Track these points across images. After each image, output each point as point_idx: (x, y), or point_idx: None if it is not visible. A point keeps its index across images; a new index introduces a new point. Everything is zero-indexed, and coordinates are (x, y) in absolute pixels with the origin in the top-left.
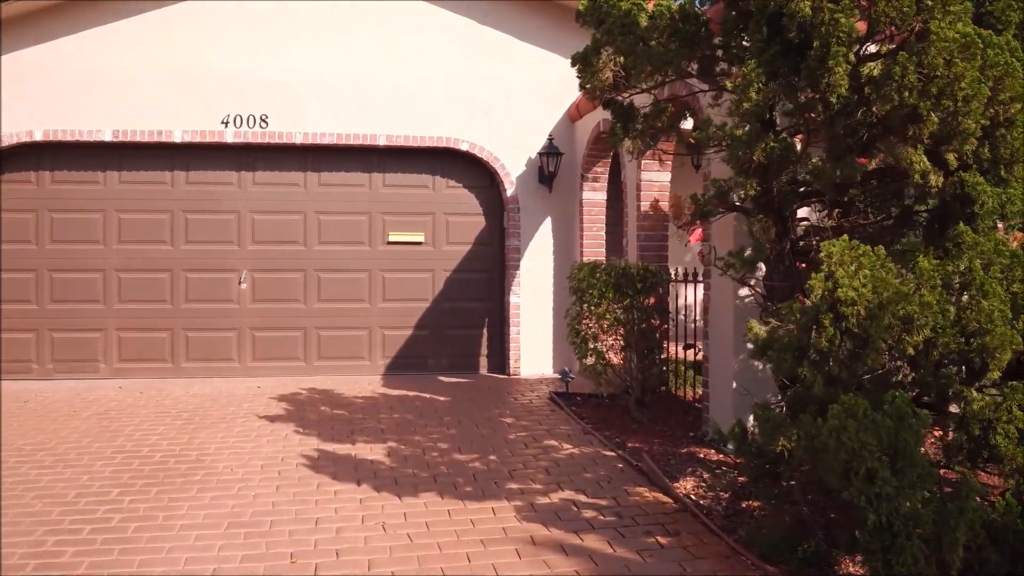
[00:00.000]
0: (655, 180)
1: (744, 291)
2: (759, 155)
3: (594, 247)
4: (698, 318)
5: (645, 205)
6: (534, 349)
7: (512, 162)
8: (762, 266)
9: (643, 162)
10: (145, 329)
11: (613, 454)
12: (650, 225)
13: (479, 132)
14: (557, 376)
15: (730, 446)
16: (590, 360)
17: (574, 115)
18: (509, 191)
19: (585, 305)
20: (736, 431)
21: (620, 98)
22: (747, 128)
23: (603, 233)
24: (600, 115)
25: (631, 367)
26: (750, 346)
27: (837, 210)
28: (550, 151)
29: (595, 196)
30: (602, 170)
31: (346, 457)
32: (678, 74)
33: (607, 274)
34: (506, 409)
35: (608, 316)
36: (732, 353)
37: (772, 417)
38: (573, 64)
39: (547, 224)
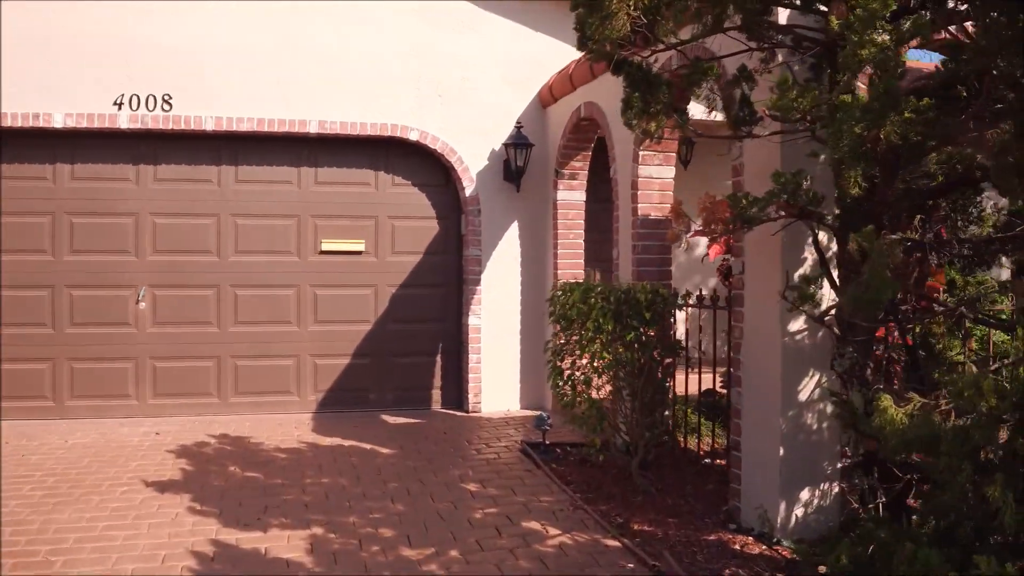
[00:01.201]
0: (656, 177)
1: (795, 324)
2: (890, 132)
3: (571, 258)
4: (704, 348)
5: (645, 207)
6: (498, 380)
7: (472, 155)
8: (823, 293)
9: (641, 153)
10: (18, 359)
11: (617, 544)
12: (650, 234)
13: (432, 118)
14: (526, 413)
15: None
16: (580, 408)
17: (547, 99)
18: (468, 190)
19: (576, 338)
20: (840, 561)
21: (639, 58)
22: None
23: (582, 241)
24: (581, 97)
25: (633, 418)
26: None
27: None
28: (518, 142)
29: (572, 196)
30: (580, 165)
31: (252, 555)
32: (743, 10)
33: (605, 299)
34: (468, 468)
35: (607, 354)
36: (778, 410)
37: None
38: (574, 8)
39: (514, 229)
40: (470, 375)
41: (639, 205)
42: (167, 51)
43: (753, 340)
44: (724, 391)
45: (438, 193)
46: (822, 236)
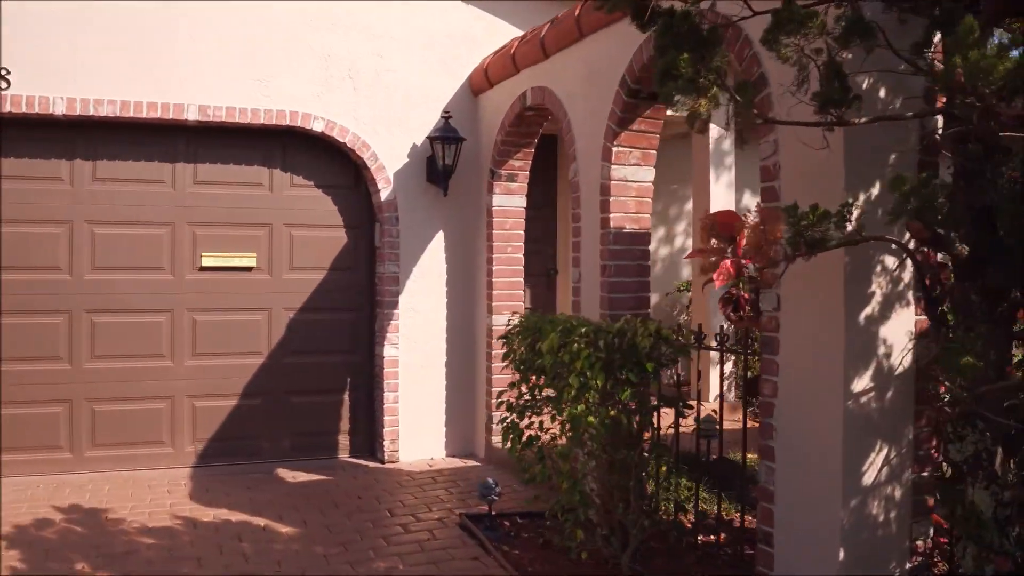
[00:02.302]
0: (632, 180)
1: (862, 382)
2: None
3: (508, 275)
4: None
5: (619, 218)
6: (419, 422)
7: (389, 150)
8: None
9: (615, 150)
10: None
11: None
12: (625, 251)
13: (340, 104)
14: (454, 464)
15: None
16: (553, 482)
17: (481, 84)
18: (384, 193)
19: (546, 394)
20: None
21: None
22: None
23: (521, 256)
24: (527, 81)
25: (625, 499)
26: None
27: None
28: (446, 135)
29: (510, 202)
30: (521, 164)
31: None
32: None
33: (591, 344)
34: (395, 555)
35: (592, 418)
36: (838, 496)
37: None
38: None
39: (439, 241)
40: (386, 417)
41: (611, 215)
42: (6, 12)
43: (795, 400)
44: (715, 414)
45: (347, 197)
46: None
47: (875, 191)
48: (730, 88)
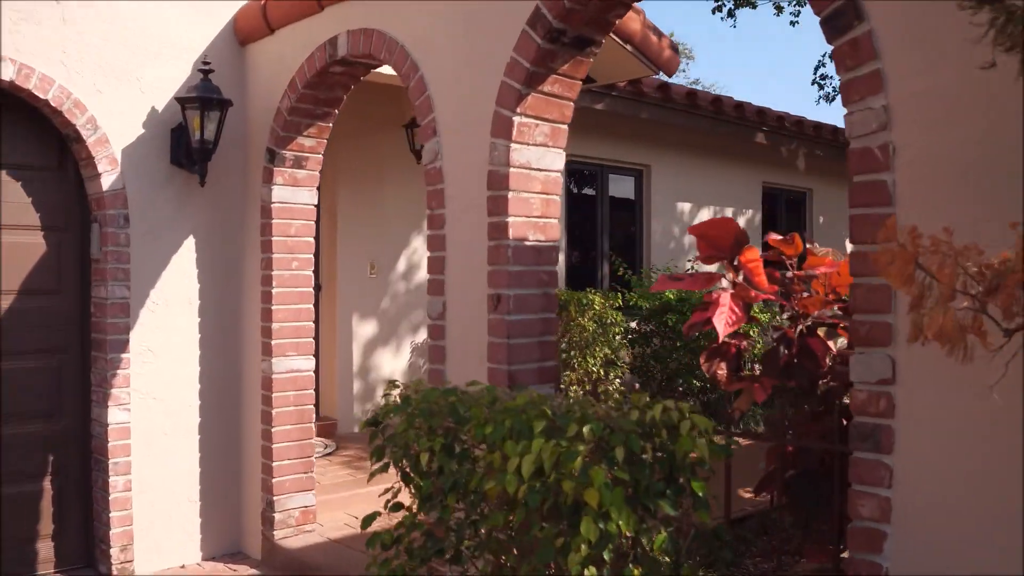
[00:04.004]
0: (537, 168)
1: None
2: None
3: (295, 303)
4: None
5: (520, 224)
6: (164, 515)
7: (116, 116)
8: None
9: (517, 120)
10: None
11: None
12: (529, 275)
13: (40, 42)
14: (220, 571)
15: None
16: None
17: (254, 27)
18: (107, 179)
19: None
20: None
21: None
22: None
23: (311, 273)
24: (336, 23)
25: None
26: None
27: None
28: (205, 96)
29: (298, 197)
30: (314, 144)
31: None
32: None
33: (601, 450)
34: None
35: None
36: None
37: None
38: None
39: (189, 251)
40: (112, 512)
41: (509, 220)
42: None
43: (926, 531)
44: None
45: (47, 184)
46: None
47: None
48: None
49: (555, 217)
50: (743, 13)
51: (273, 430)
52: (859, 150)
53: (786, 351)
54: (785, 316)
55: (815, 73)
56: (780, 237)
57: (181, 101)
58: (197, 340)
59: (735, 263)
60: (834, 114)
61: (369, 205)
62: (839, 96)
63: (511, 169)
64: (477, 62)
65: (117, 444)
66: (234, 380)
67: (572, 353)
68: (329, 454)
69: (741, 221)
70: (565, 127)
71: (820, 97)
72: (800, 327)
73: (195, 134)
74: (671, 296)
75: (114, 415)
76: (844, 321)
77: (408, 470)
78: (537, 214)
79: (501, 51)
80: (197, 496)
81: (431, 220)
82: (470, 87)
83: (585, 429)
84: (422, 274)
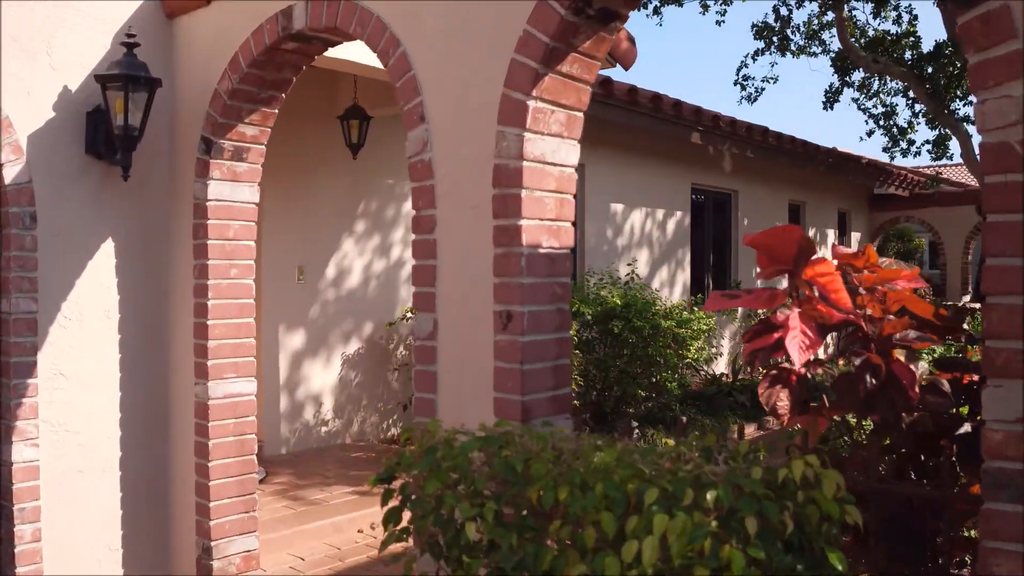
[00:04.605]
0: (552, 163)
1: None
2: None
3: (234, 317)
4: None
5: (535, 227)
6: (79, 567)
7: (19, 96)
8: None
9: (532, 106)
10: None
11: None
12: (541, 287)
13: None
14: None
15: None
16: None
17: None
18: (10, 170)
19: None
20: None
21: None
22: None
23: (251, 282)
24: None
25: None
26: None
27: None
28: (130, 73)
29: (238, 194)
30: (257, 133)
31: None
32: None
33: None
34: None
35: None
36: None
37: None
38: None
39: (107, 258)
40: (19, 567)
41: (523, 223)
42: None
43: None
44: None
45: None
46: None
47: None
48: None
49: (570, 220)
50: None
51: (210, 465)
52: (994, 145)
53: (873, 380)
54: (852, 337)
55: (738, 74)
56: (848, 250)
57: (101, 79)
58: (118, 361)
59: (801, 277)
60: (755, 115)
61: (297, 205)
62: (760, 97)
63: (524, 163)
64: (478, 37)
65: (23, 487)
66: (161, 407)
67: None
68: (260, 481)
69: (671, 224)
70: (581, 116)
71: (742, 98)
72: (884, 351)
73: (117, 118)
74: (617, 302)
75: (19, 452)
76: (927, 343)
77: (442, 542)
78: (551, 216)
79: (510, 24)
80: (119, 543)
81: (417, 223)
82: (468, 66)
83: (709, 496)
84: (354, 280)
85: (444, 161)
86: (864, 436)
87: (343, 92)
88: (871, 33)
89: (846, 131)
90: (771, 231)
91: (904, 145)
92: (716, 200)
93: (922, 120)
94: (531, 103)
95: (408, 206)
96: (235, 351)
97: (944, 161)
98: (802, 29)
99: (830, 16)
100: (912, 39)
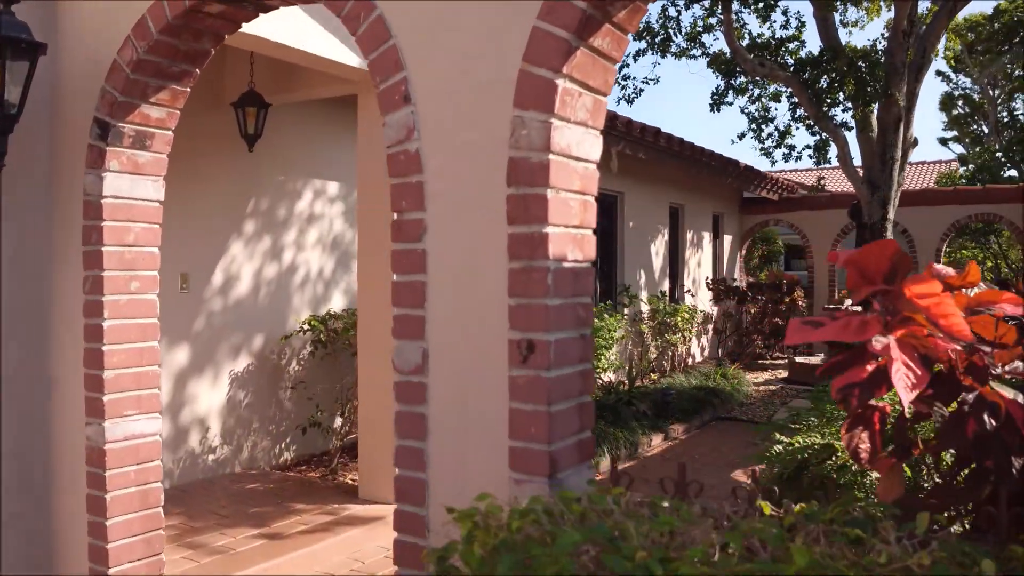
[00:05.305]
0: (576, 157)
1: None
2: None
3: (136, 340)
4: None
5: (562, 235)
6: None
7: None
8: None
9: (562, 86)
10: None
11: None
12: (566, 308)
13: None
14: None
15: None
16: None
17: None
18: None
19: None
20: None
21: None
22: None
23: (156, 299)
24: None
25: None
26: None
27: None
28: (8, 36)
29: (139, 189)
30: (163, 116)
31: None
32: None
33: None
34: None
35: None
36: None
37: None
38: None
39: None
40: None
41: (549, 231)
42: None
43: None
44: None
45: None
46: None
47: None
48: None
49: (592, 227)
50: None
51: (108, 523)
52: None
53: (993, 420)
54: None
55: (618, 73)
56: (944, 268)
57: None
58: None
59: (902, 299)
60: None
61: (179, 204)
62: (638, 97)
63: (551, 156)
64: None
65: None
66: (40, 454)
67: None
68: None
69: None
70: (605, 101)
71: (620, 98)
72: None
73: None
74: None
75: None
76: None
77: None
78: (575, 223)
79: None
80: None
81: (399, 228)
82: (471, 33)
83: None
84: (243, 288)
85: (436, 151)
86: (953, 480)
87: (235, 74)
88: (758, 38)
89: (727, 134)
90: (864, 248)
91: (785, 150)
92: (604, 201)
93: (800, 125)
94: (560, 83)
95: (302, 205)
96: (137, 382)
97: (824, 165)
98: (685, 31)
99: (716, 18)
100: (796, 43)
